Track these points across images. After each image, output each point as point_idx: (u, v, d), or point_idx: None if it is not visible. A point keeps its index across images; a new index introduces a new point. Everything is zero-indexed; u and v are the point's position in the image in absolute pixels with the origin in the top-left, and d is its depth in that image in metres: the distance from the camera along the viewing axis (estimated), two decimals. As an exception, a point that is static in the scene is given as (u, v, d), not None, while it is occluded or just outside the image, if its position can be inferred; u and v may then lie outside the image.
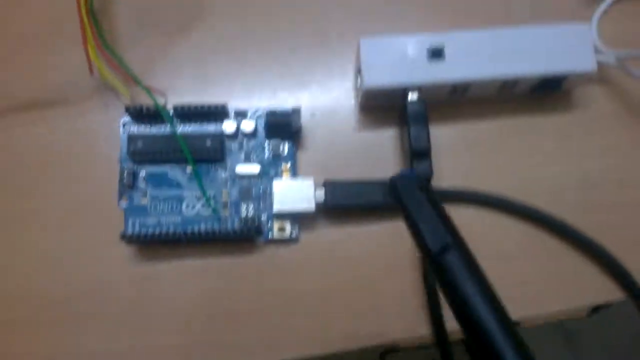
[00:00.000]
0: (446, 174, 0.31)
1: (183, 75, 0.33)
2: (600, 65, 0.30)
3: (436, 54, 0.30)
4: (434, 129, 0.31)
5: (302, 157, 0.32)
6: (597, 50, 0.31)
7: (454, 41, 0.30)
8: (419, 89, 0.30)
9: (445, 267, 0.19)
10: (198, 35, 0.33)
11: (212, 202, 0.30)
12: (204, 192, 0.30)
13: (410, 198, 0.22)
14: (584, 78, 0.31)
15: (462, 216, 0.28)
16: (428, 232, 0.21)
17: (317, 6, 0.34)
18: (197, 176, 0.29)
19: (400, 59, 0.30)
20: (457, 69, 0.30)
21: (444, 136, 0.32)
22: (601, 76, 0.33)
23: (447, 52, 0.30)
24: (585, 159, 0.32)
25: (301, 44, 0.34)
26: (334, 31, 0.34)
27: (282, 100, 0.32)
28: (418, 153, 0.29)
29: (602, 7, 0.33)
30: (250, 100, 0.32)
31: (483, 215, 0.31)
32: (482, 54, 0.30)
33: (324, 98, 0.33)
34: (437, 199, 0.22)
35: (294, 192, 0.30)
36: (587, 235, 0.30)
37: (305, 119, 0.32)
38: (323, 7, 0.34)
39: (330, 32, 0.34)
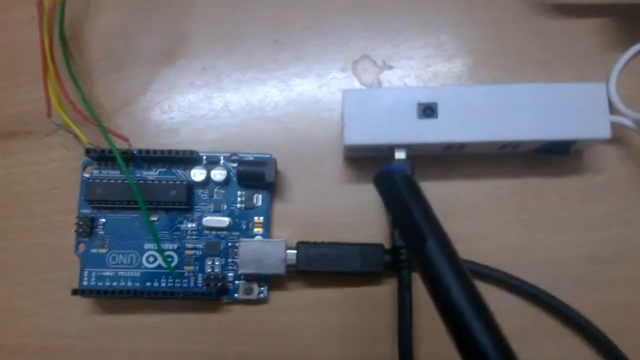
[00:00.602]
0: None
1: (154, 115, 0.30)
2: (616, 125, 0.27)
3: (428, 111, 0.26)
4: (426, 186, 0.28)
5: (279, 209, 0.29)
6: (613, 110, 0.27)
7: (448, 97, 0.26)
8: (408, 146, 0.27)
9: (425, 258, 0.19)
10: (174, 72, 0.31)
11: (170, 262, 0.28)
12: (159, 248, 0.27)
13: (392, 190, 0.22)
14: (596, 142, 0.28)
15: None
16: (409, 225, 0.21)
17: (302, 49, 0.31)
18: (151, 229, 0.27)
19: (387, 114, 0.26)
20: (451, 129, 0.26)
21: (436, 195, 0.29)
22: (616, 136, 0.29)
23: (441, 109, 0.26)
24: (593, 229, 0.29)
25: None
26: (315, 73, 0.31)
27: (259, 147, 0.30)
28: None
29: (622, 61, 0.29)
30: (223, 147, 0.30)
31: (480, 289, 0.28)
32: (480, 113, 0.26)
33: (307, 146, 0.30)
34: (420, 191, 0.22)
35: (262, 254, 0.27)
36: (589, 320, 0.27)
37: (285, 166, 0.29)
38: (308, 51, 0.31)
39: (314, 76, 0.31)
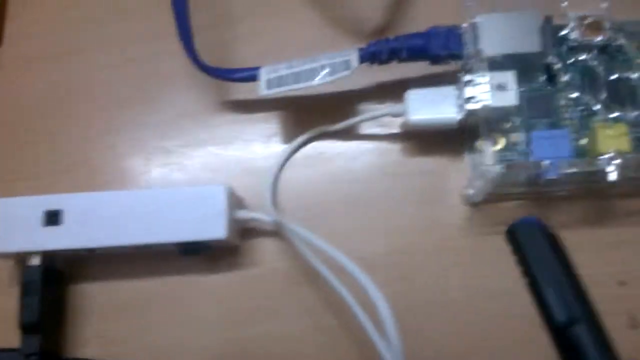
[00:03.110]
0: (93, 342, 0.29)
1: None
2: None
3: (52, 218, 0.27)
4: (77, 288, 0.29)
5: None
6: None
7: (74, 204, 0.28)
8: (42, 252, 0.28)
9: (572, 343, 0.17)
10: None
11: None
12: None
13: (532, 250, 0.18)
14: (221, 242, 0.28)
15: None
16: (554, 298, 0.18)
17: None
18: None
19: (14, 222, 0.28)
20: (77, 235, 0.27)
21: (85, 297, 0.29)
22: (273, 231, 0.30)
23: (66, 216, 0.27)
24: (245, 324, 0.29)
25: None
26: None
27: None
28: (27, 327, 0.27)
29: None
30: None
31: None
32: (104, 219, 0.27)
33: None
34: (567, 253, 0.18)
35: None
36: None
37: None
38: None
39: None
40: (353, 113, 0.31)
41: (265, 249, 0.30)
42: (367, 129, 0.31)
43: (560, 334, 0.17)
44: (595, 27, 0.28)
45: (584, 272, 0.28)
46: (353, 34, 0.33)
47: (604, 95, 0.27)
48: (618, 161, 0.25)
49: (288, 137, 0.31)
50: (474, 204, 0.29)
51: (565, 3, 0.28)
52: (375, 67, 0.29)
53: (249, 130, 0.32)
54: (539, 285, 0.18)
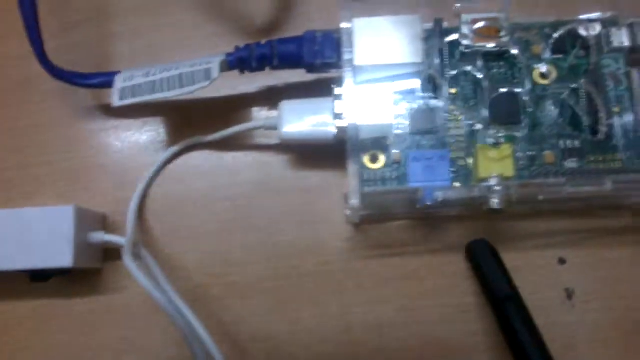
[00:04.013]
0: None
1: None
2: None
3: None
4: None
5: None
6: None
7: None
8: None
9: (505, 314, 0.23)
10: None
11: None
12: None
13: (483, 257, 0.25)
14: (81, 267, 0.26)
15: None
16: (496, 282, 0.24)
17: None
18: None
19: None
20: None
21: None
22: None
23: None
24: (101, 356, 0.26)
25: None
26: None
27: None
28: None
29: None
30: None
31: None
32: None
33: None
34: (503, 263, 0.25)
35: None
36: None
37: None
38: None
39: None
40: (239, 121, 0.28)
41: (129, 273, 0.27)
42: (247, 139, 0.28)
43: (498, 306, 0.23)
44: (488, 32, 0.25)
45: (470, 300, 0.26)
46: (240, 34, 0.29)
47: (486, 113, 0.24)
48: (499, 188, 0.23)
49: (163, 148, 0.28)
50: (356, 224, 0.27)
51: (458, 4, 0.25)
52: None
53: (121, 138, 0.29)
54: (486, 274, 0.24)
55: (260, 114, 0.29)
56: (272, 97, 0.28)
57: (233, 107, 0.29)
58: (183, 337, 0.23)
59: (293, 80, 0.28)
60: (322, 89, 0.26)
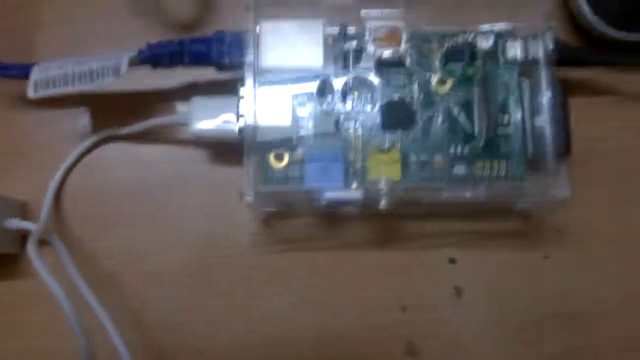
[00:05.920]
0: None
1: None
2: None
3: None
4: None
5: None
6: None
7: None
8: None
9: None
10: None
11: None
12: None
13: None
14: None
15: None
16: None
17: None
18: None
19: None
20: None
21: None
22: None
23: None
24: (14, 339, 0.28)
25: None
26: None
27: None
28: None
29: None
30: None
31: None
32: None
33: None
34: None
35: None
36: None
37: None
38: None
39: None
40: (157, 114, 0.29)
41: (47, 259, 0.28)
42: (163, 133, 0.29)
43: None
44: (389, 39, 0.26)
45: (368, 295, 0.27)
46: (166, 29, 0.30)
47: (378, 118, 0.25)
48: (385, 190, 0.24)
49: (84, 138, 0.29)
50: (264, 220, 0.28)
51: (365, 11, 0.26)
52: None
53: (43, 128, 0.30)
54: None
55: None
56: (192, 92, 0.29)
57: (153, 101, 0.29)
58: (71, 324, 0.24)
59: (210, 77, 0.29)
60: (237, 87, 0.27)
